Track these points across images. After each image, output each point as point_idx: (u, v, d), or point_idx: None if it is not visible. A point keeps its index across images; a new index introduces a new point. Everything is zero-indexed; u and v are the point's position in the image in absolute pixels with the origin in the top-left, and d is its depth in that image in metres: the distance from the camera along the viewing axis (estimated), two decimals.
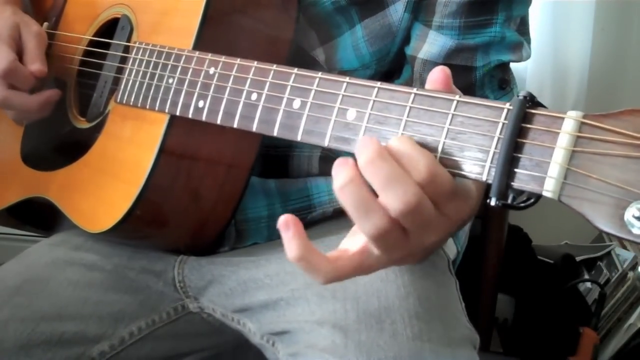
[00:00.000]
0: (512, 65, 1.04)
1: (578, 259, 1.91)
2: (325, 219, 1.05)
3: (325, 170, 1.05)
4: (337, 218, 1.03)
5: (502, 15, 0.97)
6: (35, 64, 1.06)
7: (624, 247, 1.93)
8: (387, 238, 0.64)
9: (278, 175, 1.06)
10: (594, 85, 2.04)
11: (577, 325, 1.67)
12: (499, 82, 1.01)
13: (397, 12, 1.01)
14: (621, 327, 1.78)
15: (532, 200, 0.58)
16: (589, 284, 1.85)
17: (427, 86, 0.66)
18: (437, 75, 0.65)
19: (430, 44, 0.99)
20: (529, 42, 1.04)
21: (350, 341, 0.82)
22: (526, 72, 2.02)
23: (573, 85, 2.03)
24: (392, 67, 1.06)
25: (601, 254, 1.94)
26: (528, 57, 1.03)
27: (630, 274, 1.82)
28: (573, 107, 2.01)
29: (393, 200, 0.61)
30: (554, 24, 2.00)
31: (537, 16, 1.99)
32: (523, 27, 1.04)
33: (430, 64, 0.99)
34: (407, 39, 1.03)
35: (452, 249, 1.12)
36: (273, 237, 1.06)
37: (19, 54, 1.07)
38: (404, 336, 0.82)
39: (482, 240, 1.53)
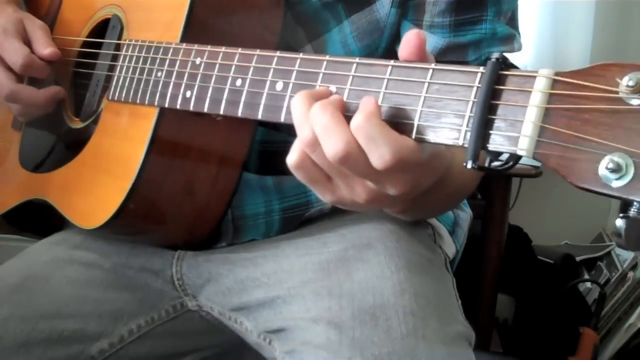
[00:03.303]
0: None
1: (578, 259, 1.90)
2: (322, 216, 1.05)
3: None
4: (334, 215, 1.03)
5: (492, 11, 0.97)
6: (48, 48, 1.07)
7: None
8: (331, 170, 0.69)
9: (275, 172, 1.07)
10: None
11: (577, 325, 1.66)
12: None
13: (383, 7, 1.01)
14: (621, 327, 1.77)
15: (510, 164, 0.59)
16: (589, 284, 1.85)
17: (400, 50, 0.67)
18: (413, 40, 0.66)
19: None
20: (519, 34, 1.04)
21: (345, 337, 0.82)
22: None
23: None
24: None
25: (601, 254, 1.94)
26: (520, 48, 1.03)
27: (630, 274, 1.81)
28: None
29: (327, 149, 0.65)
30: (554, 24, 2.00)
31: (537, 16, 2.00)
32: (513, 21, 1.03)
33: None
34: (396, 34, 1.04)
35: (451, 248, 1.12)
36: (270, 234, 1.06)
37: (27, 45, 1.08)
38: (398, 332, 0.82)
39: (482, 240, 1.53)
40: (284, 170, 1.04)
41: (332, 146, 0.64)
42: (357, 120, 0.64)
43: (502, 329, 1.78)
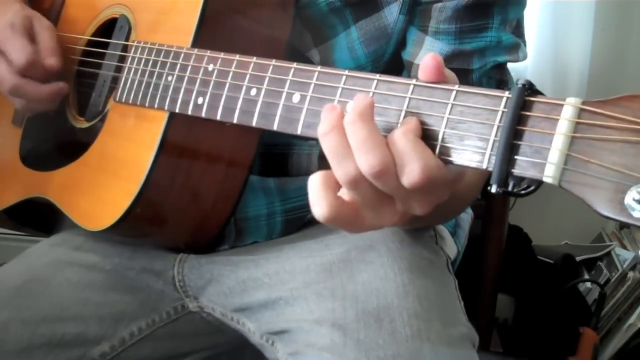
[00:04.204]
0: (512, 66, 1.04)
1: (578, 259, 1.91)
2: None
3: (325, 168, 1.05)
4: None
5: (497, 19, 0.97)
6: (52, 58, 1.06)
7: (624, 247, 1.94)
8: (359, 187, 0.65)
9: (278, 174, 1.07)
10: (594, 85, 2.04)
11: (577, 325, 1.67)
12: (497, 83, 1.01)
13: (392, 13, 1.01)
14: (621, 327, 1.78)
15: (532, 187, 0.59)
16: (589, 284, 1.86)
17: (419, 74, 0.66)
18: (429, 63, 0.65)
19: (427, 49, 0.99)
20: (524, 44, 1.04)
21: (349, 340, 0.83)
22: (526, 72, 2.02)
23: (573, 85, 2.03)
24: (388, 68, 1.05)
25: (601, 254, 1.94)
26: (525, 57, 1.03)
27: (630, 274, 1.82)
28: None
29: (364, 162, 0.63)
30: (554, 24, 2.01)
31: (537, 16, 2.00)
32: (518, 30, 1.03)
33: None
34: (402, 41, 1.03)
35: (452, 248, 1.13)
36: (273, 236, 1.06)
37: (33, 45, 1.06)
38: (402, 335, 0.82)
39: (482, 240, 1.53)
40: (286, 172, 1.06)
41: (371, 159, 0.63)
42: (394, 133, 0.63)
43: (502, 329, 1.78)
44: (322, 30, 1.04)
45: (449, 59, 0.98)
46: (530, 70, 2.03)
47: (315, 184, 0.67)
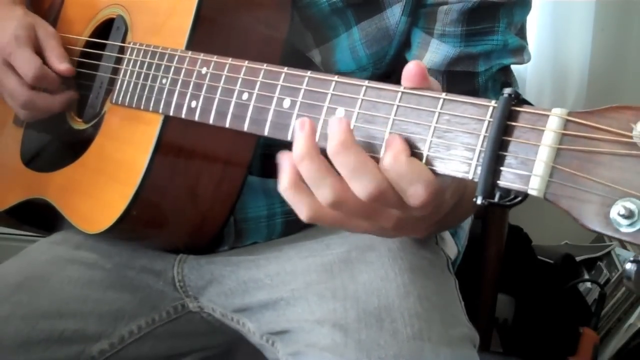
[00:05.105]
0: (512, 66, 1.04)
1: (578, 259, 1.90)
2: None
3: None
4: None
5: (503, 22, 0.96)
6: (64, 64, 1.06)
7: (624, 247, 1.92)
8: (342, 207, 0.66)
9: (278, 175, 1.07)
10: (593, 85, 2.04)
11: (577, 325, 1.66)
12: (502, 86, 1.01)
13: (394, 15, 1.00)
14: (621, 327, 1.77)
15: (519, 199, 0.58)
16: (589, 284, 1.85)
17: (403, 82, 0.65)
18: (413, 70, 0.64)
19: (433, 52, 0.99)
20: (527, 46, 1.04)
21: (351, 340, 0.83)
22: (526, 72, 2.02)
23: (573, 85, 2.03)
24: (389, 69, 1.05)
25: (601, 254, 1.93)
26: (529, 59, 1.03)
27: None
28: (572, 108, 2.01)
29: (359, 189, 0.63)
30: (554, 24, 2.00)
31: (537, 16, 1.99)
32: (521, 32, 1.03)
33: (433, 73, 0.98)
34: (405, 42, 1.03)
35: (452, 249, 1.12)
36: (272, 237, 1.06)
37: (38, 54, 1.06)
38: (404, 335, 0.83)
39: (482, 240, 1.53)
40: None
41: (365, 186, 0.63)
42: (386, 161, 0.63)
43: (502, 329, 1.78)
44: (323, 30, 1.03)
45: (455, 62, 0.98)
46: (530, 70, 2.03)
47: (284, 191, 0.68)
